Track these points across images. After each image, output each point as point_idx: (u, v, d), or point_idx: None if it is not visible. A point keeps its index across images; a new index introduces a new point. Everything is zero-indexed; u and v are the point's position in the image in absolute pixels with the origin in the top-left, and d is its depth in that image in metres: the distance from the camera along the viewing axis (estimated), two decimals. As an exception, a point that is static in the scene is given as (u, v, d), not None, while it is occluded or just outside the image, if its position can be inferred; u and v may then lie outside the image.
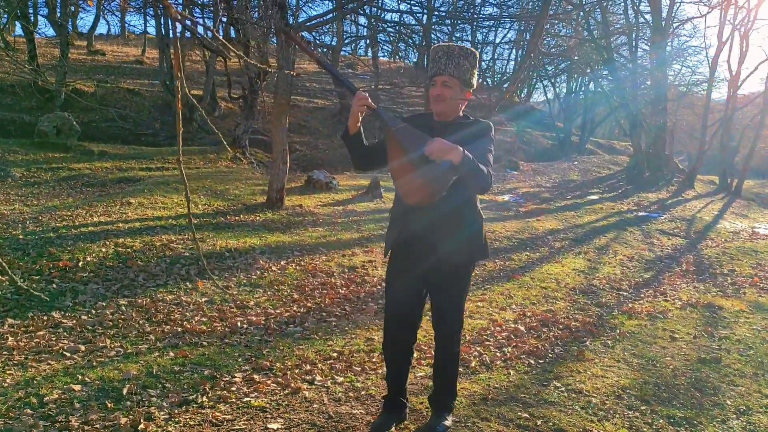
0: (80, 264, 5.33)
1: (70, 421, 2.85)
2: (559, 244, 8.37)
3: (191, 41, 16.52)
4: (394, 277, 2.83)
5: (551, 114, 28.04)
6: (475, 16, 17.29)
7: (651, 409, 3.39)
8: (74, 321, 4.24)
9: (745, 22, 17.01)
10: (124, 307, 4.60)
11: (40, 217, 6.82)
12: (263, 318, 4.66)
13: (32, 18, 17.22)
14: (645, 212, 11.67)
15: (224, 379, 3.47)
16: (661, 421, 3.24)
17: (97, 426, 2.83)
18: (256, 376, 3.51)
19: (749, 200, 16.13)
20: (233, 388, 3.34)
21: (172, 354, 3.80)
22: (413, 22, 15.87)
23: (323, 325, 4.62)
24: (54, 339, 3.93)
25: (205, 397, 3.20)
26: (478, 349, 4.24)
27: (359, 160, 2.80)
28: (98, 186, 9.64)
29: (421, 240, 2.69)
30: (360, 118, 2.66)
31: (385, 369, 3.05)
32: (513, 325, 4.85)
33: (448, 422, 2.88)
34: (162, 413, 2.99)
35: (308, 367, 3.71)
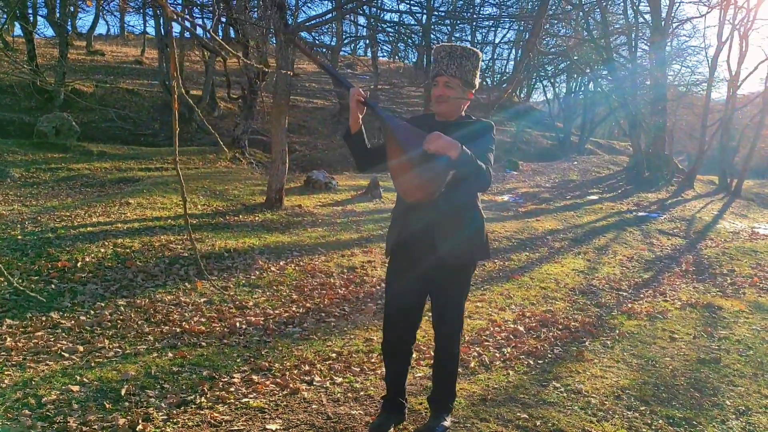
0: (79, 264, 5.33)
1: (69, 422, 2.84)
2: (559, 244, 8.37)
3: (190, 41, 16.51)
4: (394, 276, 2.82)
5: (551, 114, 28.05)
6: (475, 16, 17.30)
7: (650, 409, 3.38)
8: (73, 321, 4.24)
9: (744, 22, 17.02)
10: (122, 308, 4.59)
11: (39, 218, 6.82)
12: (262, 318, 4.65)
13: (31, 18, 17.22)
14: (644, 212, 11.67)
15: (223, 379, 3.46)
16: (660, 421, 3.24)
17: (96, 427, 2.82)
18: (254, 377, 3.51)
19: (749, 200, 16.12)
20: (232, 389, 3.33)
21: (170, 354, 3.80)
22: (413, 22, 15.86)
23: (322, 325, 4.62)
24: (52, 339, 3.92)
25: (203, 397, 3.20)
26: (478, 349, 4.24)
27: (361, 161, 2.80)
28: (97, 186, 9.64)
29: (421, 239, 2.68)
30: (360, 118, 2.66)
31: (384, 369, 3.05)
32: (512, 326, 4.84)
33: (447, 423, 2.87)
34: (160, 414, 2.98)
35: (307, 368, 3.70)
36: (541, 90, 29.55)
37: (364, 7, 12.35)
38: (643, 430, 3.14)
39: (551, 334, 4.71)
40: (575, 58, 18.37)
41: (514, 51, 27.58)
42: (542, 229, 9.11)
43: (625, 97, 16.55)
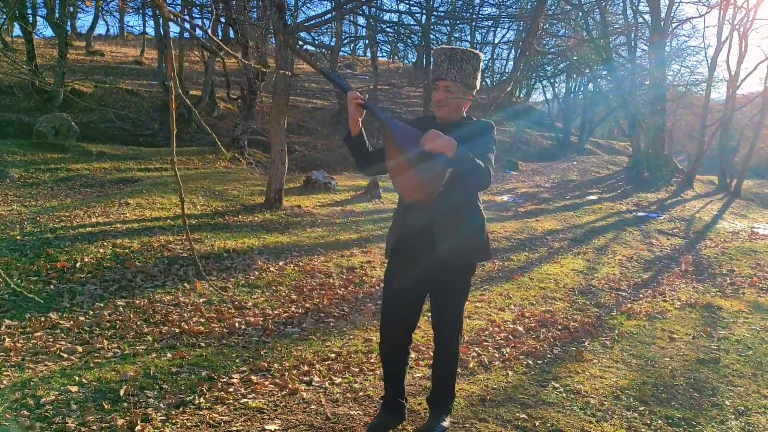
0: (78, 265, 5.32)
1: (67, 423, 2.84)
2: (558, 244, 8.37)
3: (190, 41, 16.50)
4: (393, 276, 2.82)
5: (550, 114, 28.05)
6: (474, 16, 17.30)
7: (649, 409, 3.38)
8: (72, 322, 4.23)
9: (744, 22, 17.01)
10: (121, 308, 4.59)
11: (38, 218, 6.81)
12: (261, 319, 4.65)
13: (31, 19, 17.22)
14: (644, 212, 11.67)
15: (222, 380, 3.46)
16: (659, 421, 3.24)
17: (94, 427, 2.82)
18: (253, 377, 3.51)
19: (748, 200, 16.12)
20: (231, 389, 3.33)
21: (169, 355, 3.79)
22: (412, 23, 15.85)
23: (321, 325, 4.61)
24: (51, 340, 3.92)
25: (202, 398, 3.19)
26: (477, 349, 4.23)
27: (362, 163, 2.79)
28: (96, 187, 9.63)
29: (420, 238, 2.68)
30: (359, 120, 2.66)
31: (382, 370, 3.04)
32: (511, 326, 4.84)
33: (446, 423, 2.87)
34: (159, 414, 2.98)
35: (306, 368, 3.70)
36: (541, 90, 29.57)
37: (364, 7, 12.35)
38: (643, 430, 3.14)
39: (550, 334, 4.71)
40: (575, 58, 18.36)
41: (513, 51, 27.58)
42: (542, 229, 9.11)
43: (624, 97, 16.56)
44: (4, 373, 3.36)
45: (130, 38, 28.28)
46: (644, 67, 18.61)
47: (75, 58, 19.39)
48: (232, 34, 14.56)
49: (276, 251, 6.49)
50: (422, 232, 2.67)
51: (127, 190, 9.07)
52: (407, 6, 16.67)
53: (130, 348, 3.89)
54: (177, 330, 4.27)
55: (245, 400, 3.21)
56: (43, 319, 4.25)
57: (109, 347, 3.86)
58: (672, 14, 18.12)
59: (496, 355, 4.16)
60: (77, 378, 3.33)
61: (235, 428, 2.90)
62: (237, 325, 4.45)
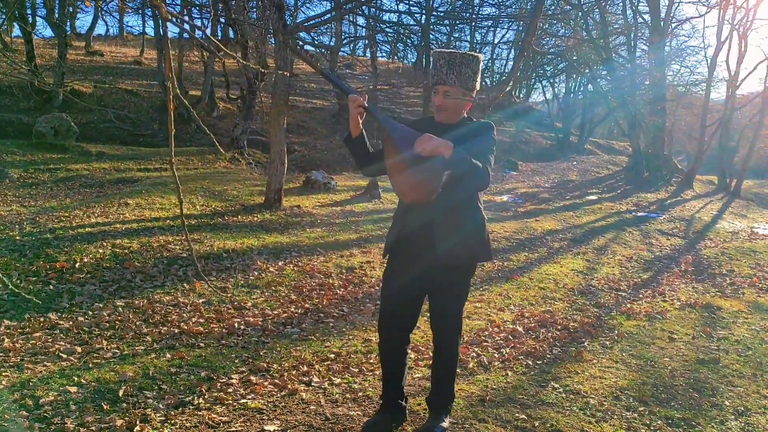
0: (77, 265, 5.32)
1: (66, 423, 2.83)
2: (558, 244, 8.37)
3: (189, 42, 16.50)
4: (392, 275, 2.82)
5: (550, 114, 28.05)
6: (474, 16, 17.30)
7: (649, 410, 3.38)
8: (71, 322, 4.23)
9: (743, 22, 17.02)
10: (120, 309, 4.58)
11: (38, 218, 6.81)
12: (260, 319, 4.64)
13: (30, 19, 17.20)
14: (644, 212, 11.67)
15: (221, 380, 3.45)
16: (659, 422, 3.23)
17: (93, 428, 2.82)
18: (253, 378, 3.50)
19: (748, 200, 16.13)
20: (230, 390, 3.33)
21: (168, 355, 3.79)
22: (412, 23, 15.86)
23: (321, 326, 4.61)
24: (50, 340, 3.91)
25: (201, 398, 3.19)
26: (476, 350, 4.23)
27: (363, 163, 2.80)
28: (96, 187, 9.63)
29: (420, 238, 2.68)
30: (360, 122, 2.66)
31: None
32: (511, 326, 4.84)
33: (446, 423, 2.87)
34: (158, 415, 2.98)
35: (305, 369, 3.70)
36: (541, 90, 29.56)
37: (363, 7, 12.35)
38: (642, 430, 3.13)
39: (550, 334, 4.71)
40: (574, 58, 18.36)
41: (513, 51, 27.57)
42: (541, 229, 9.11)
43: (624, 97, 16.56)
44: (3, 374, 3.35)
45: (130, 38, 28.28)
46: (644, 67, 18.61)
47: (74, 59, 19.39)
48: (231, 34, 14.55)
49: (275, 251, 6.49)
50: (422, 231, 2.67)
51: (126, 190, 9.06)
52: (407, 6, 16.69)
53: (129, 348, 3.88)
54: (176, 330, 4.26)
55: (244, 400, 3.20)
56: (42, 319, 4.24)
57: (108, 348, 3.86)
58: (672, 14, 18.14)
59: (496, 355, 4.16)
60: (76, 378, 3.32)
61: (234, 429, 2.89)
62: (236, 325, 4.45)
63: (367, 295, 5.49)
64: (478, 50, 24.08)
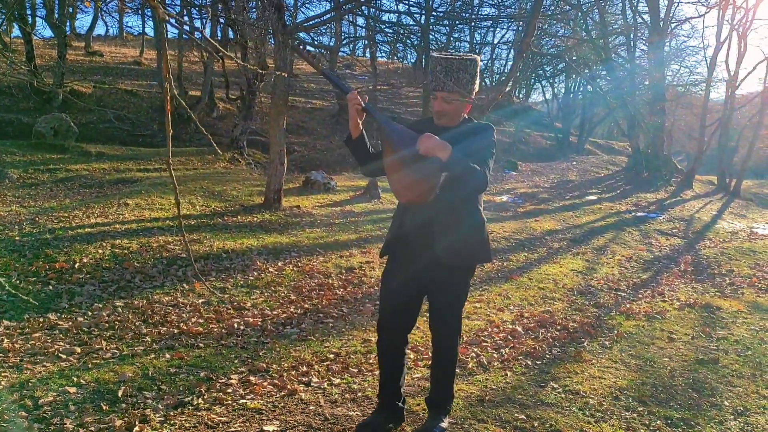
0: (76, 265, 5.32)
1: (65, 424, 2.83)
2: (558, 244, 8.37)
3: (189, 42, 16.50)
4: (391, 274, 2.82)
5: (549, 114, 28.06)
6: (473, 16, 17.29)
7: (648, 410, 3.38)
8: (70, 323, 4.23)
9: (743, 22, 17.02)
10: (120, 309, 4.58)
11: (37, 219, 6.81)
12: (260, 319, 4.64)
13: (30, 19, 17.20)
14: (643, 212, 11.67)
15: (220, 380, 3.45)
16: (658, 422, 3.24)
17: (92, 428, 2.82)
18: (252, 378, 3.50)
19: (748, 200, 16.13)
20: (229, 390, 3.33)
21: (168, 356, 3.79)
22: (411, 23, 15.87)
23: (320, 326, 4.61)
24: (50, 341, 3.91)
25: (200, 399, 3.19)
26: (476, 350, 4.23)
27: (364, 164, 2.80)
28: (95, 187, 9.62)
29: (418, 237, 2.69)
30: (359, 122, 2.67)
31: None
32: (510, 326, 4.84)
33: (445, 424, 2.87)
34: (157, 415, 2.98)
35: (305, 369, 3.70)
36: (540, 90, 29.57)
37: (363, 7, 12.35)
38: (641, 430, 3.13)
39: (549, 334, 4.71)
40: (573, 59, 18.36)
41: (513, 51, 27.56)
42: (541, 229, 9.11)
43: (623, 98, 16.56)
44: (3, 374, 3.35)
45: (130, 39, 28.27)
46: (643, 67, 18.62)
47: (74, 59, 19.39)
48: (231, 34, 14.55)
49: (275, 252, 6.48)
50: (420, 231, 2.68)
51: (126, 190, 9.06)
52: (406, 6, 16.68)
53: (128, 349, 3.88)
54: (175, 331, 4.26)
55: (244, 400, 3.20)
56: (41, 319, 4.24)
57: (108, 348, 3.86)
58: (671, 14, 18.15)
59: (495, 355, 4.16)
60: (75, 379, 3.32)
61: (233, 429, 2.89)
62: (236, 325, 4.45)
63: (366, 296, 5.49)
64: (477, 51, 24.12)
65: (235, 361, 3.77)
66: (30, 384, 3.24)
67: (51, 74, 15.27)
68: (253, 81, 12.65)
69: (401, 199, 2.63)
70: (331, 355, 3.96)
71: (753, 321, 5.38)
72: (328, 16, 9.88)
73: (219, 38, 15.53)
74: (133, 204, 7.86)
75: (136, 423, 2.85)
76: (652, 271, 7.41)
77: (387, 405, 2.89)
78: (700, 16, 23.00)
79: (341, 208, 9.23)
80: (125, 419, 2.89)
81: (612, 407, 3.38)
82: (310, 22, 9.62)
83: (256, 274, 5.73)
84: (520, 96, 30.70)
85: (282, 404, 3.18)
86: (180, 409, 3.07)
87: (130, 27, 31.92)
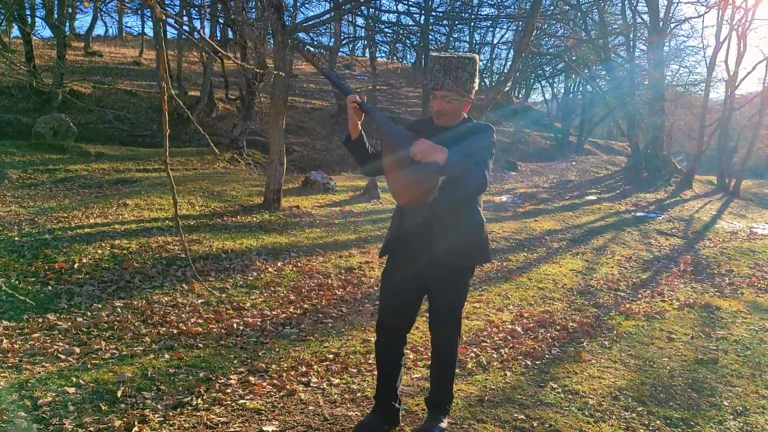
0: (76, 266, 5.32)
1: (64, 424, 2.83)
2: (557, 244, 8.37)
3: (188, 42, 16.50)
4: (390, 274, 2.82)
5: (549, 114, 28.05)
6: (473, 16, 17.29)
7: (648, 410, 3.38)
8: (69, 323, 4.22)
9: (742, 22, 17.03)
10: (119, 309, 4.58)
11: (36, 219, 6.81)
12: (259, 319, 4.64)
13: (29, 20, 17.20)
14: (643, 212, 11.68)
15: (219, 381, 3.45)
16: (657, 422, 3.23)
17: (91, 429, 2.81)
18: (251, 378, 3.50)
19: (747, 200, 16.14)
20: (228, 390, 3.33)
21: (167, 356, 3.79)
22: (411, 23, 15.86)
23: (319, 326, 4.61)
24: (49, 341, 3.91)
25: (200, 399, 3.19)
26: (475, 350, 4.23)
27: (363, 164, 2.81)
28: (95, 187, 9.62)
29: (417, 237, 2.69)
30: (358, 122, 2.67)
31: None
32: (510, 326, 4.84)
33: (444, 424, 2.86)
34: (156, 416, 2.97)
35: (304, 369, 3.70)
36: (540, 90, 29.58)
37: (362, 7, 12.35)
38: (641, 430, 3.13)
39: (549, 334, 4.71)
40: (573, 59, 18.36)
41: (512, 51, 27.55)
42: (540, 229, 9.11)
43: (623, 98, 16.57)
44: (2, 375, 3.35)
45: (129, 39, 28.29)
46: (643, 67, 18.62)
47: (74, 59, 19.38)
48: (231, 34, 14.55)
49: (274, 252, 6.48)
50: (419, 231, 2.68)
51: (125, 190, 9.06)
52: (406, 6, 16.67)
53: (127, 349, 3.88)
54: (175, 331, 4.26)
55: (243, 401, 3.20)
56: (40, 320, 4.24)
57: (107, 348, 3.86)
58: (670, 14, 18.16)
59: (495, 355, 4.16)
60: (75, 379, 3.32)
61: (232, 429, 2.89)
62: (235, 326, 4.45)
63: (365, 296, 5.49)
64: (477, 51, 24.09)
65: (235, 362, 3.77)
66: (29, 384, 3.23)
67: (50, 74, 15.27)
68: (252, 81, 12.65)
69: (399, 200, 2.64)
70: (331, 356, 3.96)
71: (752, 321, 5.39)
72: (327, 16, 9.89)
73: (218, 38, 15.53)
74: (133, 204, 7.86)
75: (135, 423, 2.85)
76: (652, 271, 7.41)
77: (383, 405, 2.89)
78: (699, 16, 23.06)
79: (341, 208, 9.23)
80: (124, 419, 2.89)
81: (611, 407, 3.37)
82: (310, 23, 9.62)
83: (255, 274, 5.72)
84: (520, 96, 30.71)
85: (281, 404, 3.18)
86: (179, 409, 3.07)
87: (130, 27, 31.94)
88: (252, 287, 5.41)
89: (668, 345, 4.59)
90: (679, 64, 26.25)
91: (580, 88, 26.44)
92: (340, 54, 22.87)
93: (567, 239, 8.71)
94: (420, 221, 2.66)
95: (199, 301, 4.92)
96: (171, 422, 2.92)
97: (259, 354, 3.92)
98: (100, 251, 5.73)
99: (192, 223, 7.28)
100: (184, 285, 5.25)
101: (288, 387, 3.39)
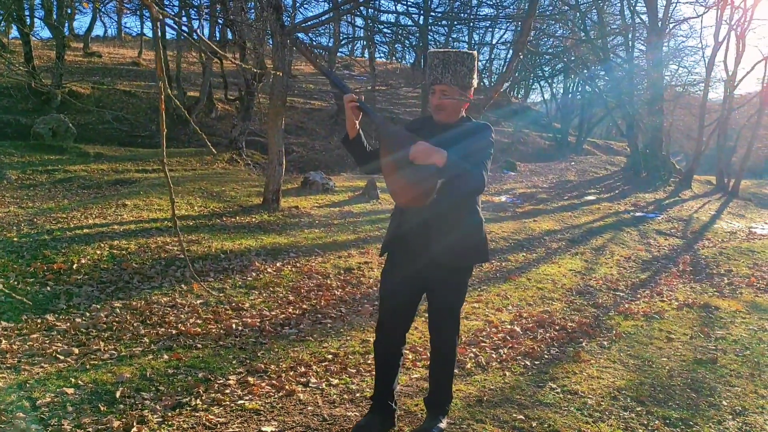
0: (74, 266, 5.31)
1: (63, 425, 2.83)
2: (556, 244, 8.37)
3: (187, 43, 16.50)
4: (389, 274, 2.82)
5: (548, 114, 28.06)
6: (472, 16, 17.31)
7: (647, 410, 3.38)
8: (68, 324, 4.22)
9: (741, 22, 17.03)
10: (118, 310, 4.58)
11: (35, 220, 6.80)
12: (258, 320, 4.64)
13: (28, 20, 17.19)
14: (642, 212, 11.68)
15: (218, 381, 3.45)
16: (656, 422, 3.24)
17: (90, 429, 2.81)
18: (250, 379, 3.50)
19: (746, 200, 16.15)
20: (227, 391, 3.32)
21: (166, 356, 3.79)
22: (410, 23, 15.89)
23: (318, 326, 4.61)
24: (47, 342, 3.91)
25: (198, 399, 3.18)
26: (474, 350, 4.23)
27: (362, 163, 2.81)
28: (94, 188, 9.62)
29: (416, 237, 2.69)
30: (356, 122, 2.67)
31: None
32: (509, 326, 4.84)
33: (443, 424, 2.87)
34: (155, 416, 2.97)
35: (303, 369, 3.69)
36: (539, 90, 29.61)
37: (361, 8, 12.36)
38: (640, 430, 3.13)
39: (548, 334, 4.71)
40: (571, 59, 18.38)
41: (511, 51, 27.55)
42: (539, 229, 9.11)
43: (622, 98, 16.58)
44: (1, 375, 3.35)
45: (128, 39, 28.28)
46: (642, 67, 18.62)
47: (72, 60, 19.37)
48: (230, 35, 14.54)
49: (273, 252, 6.48)
50: (418, 231, 2.68)
51: (124, 191, 9.06)
52: (405, 7, 16.68)
53: (126, 350, 3.88)
54: (174, 331, 4.26)
55: (242, 401, 3.20)
56: (39, 320, 4.23)
57: (106, 349, 3.85)
58: (669, 14, 18.15)
59: (494, 355, 4.16)
60: (73, 380, 3.32)
61: (231, 430, 2.89)
62: (234, 326, 4.44)
63: (365, 296, 5.49)
64: (476, 51, 24.09)
65: (234, 362, 3.77)
66: (28, 385, 3.23)
67: (49, 75, 15.26)
68: (251, 82, 12.65)
69: (397, 201, 2.63)
70: (330, 356, 3.96)
71: (751, 321, 5.39)
72: (326, 16, 9.89)
73: (217, 39, 15.53)
74: (132, 205, 7.85)
75: (134, 424, 2.85)
76: (651, 271, 7.41)
77: (380, 406, 2.89)
78: (698, 16, 23.14)
79: (340, 208, 9.23)
80: (123, 420, 2.89)
81: (610, 407, 3.38)
82: (309, 23, 9.62)
83: (254, 274, 5.72)
84: (519, 96, 30.71)
85: (280, 405, 3.18)
86: (178, 409, 3.07)
87: (129, 28, 31.97)
88: (251, 288, 5.41)
89: (667, 345, 4.59)
90: (678, 64, 26.28)
91: (579, 89, 26.46)
92: (339, 54, 22.89)
93: (566, 239, 8.71)
94: (419, 221, 2.66)
95: (198, 302, 4.92)
96: (170, 423, 2.92)
97: (258, 354, 3.92)
98: (98, 252, 5.73)
99: (191, 223, 7.28)
100: (183, 285, 5.25)
101: (287, 387, 3.39)
